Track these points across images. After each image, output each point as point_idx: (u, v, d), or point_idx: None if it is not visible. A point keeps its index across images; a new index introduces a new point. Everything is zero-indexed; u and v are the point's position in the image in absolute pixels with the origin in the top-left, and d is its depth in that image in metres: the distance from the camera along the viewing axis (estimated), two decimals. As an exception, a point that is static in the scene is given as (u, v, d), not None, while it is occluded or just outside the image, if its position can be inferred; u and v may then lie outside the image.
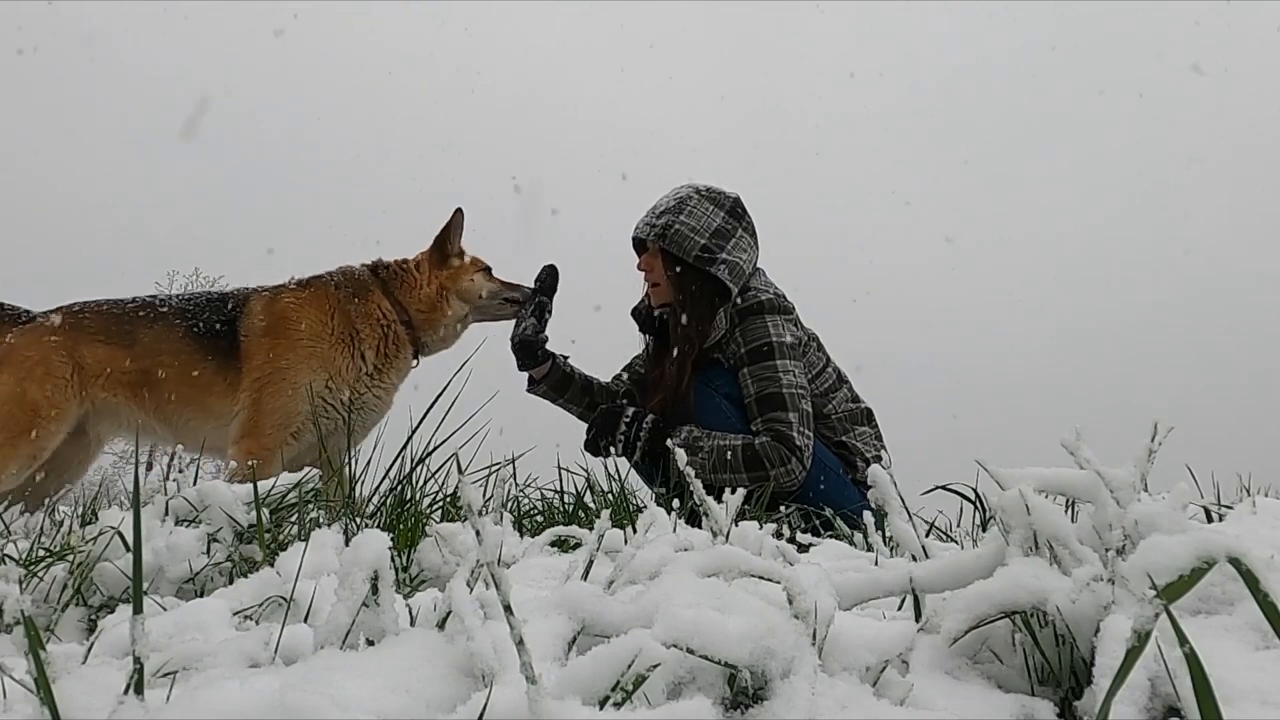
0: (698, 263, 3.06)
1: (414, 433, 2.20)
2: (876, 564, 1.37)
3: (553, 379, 3.32)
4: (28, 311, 3.25)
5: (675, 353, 3.10)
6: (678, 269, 3.10)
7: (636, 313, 3.42)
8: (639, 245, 3.28)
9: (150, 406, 3.13)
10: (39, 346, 3.05)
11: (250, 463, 2.81)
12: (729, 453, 2.91)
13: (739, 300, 3.08)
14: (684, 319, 3.09)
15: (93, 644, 1.00)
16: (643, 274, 3.25)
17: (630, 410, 3.09)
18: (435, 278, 3.42)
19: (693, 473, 1.33)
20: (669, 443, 2.42)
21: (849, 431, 3.16)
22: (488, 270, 3.55)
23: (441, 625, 0.86)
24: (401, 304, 3.35)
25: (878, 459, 3.13)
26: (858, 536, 1.94)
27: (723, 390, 3.05)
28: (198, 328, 3.18)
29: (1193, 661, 0.66)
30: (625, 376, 3.52)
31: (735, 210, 3.18)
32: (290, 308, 3.21)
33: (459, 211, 3.49)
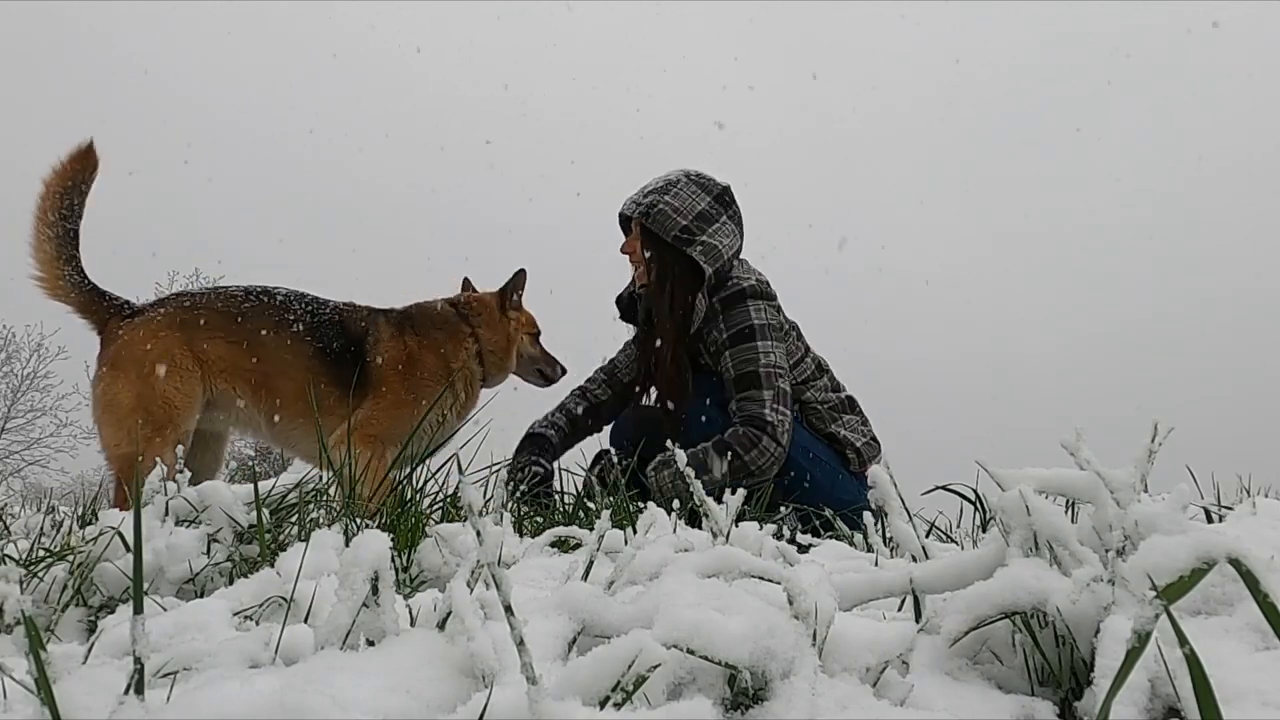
0: (676, 243, 3.07)
1: (414, 433, 2.20)
2: (876, 564, 1.37)
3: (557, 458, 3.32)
4: (129, 303, 3.26)
5: (659, 342, 3.10)
6: (657, 247, 3.11)
7: (619, 300, 3.42)
8: (625, 223, 3.28)
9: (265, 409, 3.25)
10: (157, 341, 3.10)
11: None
12: (700, 454, 2.88)
13: (722, 289, 3.07)
14: (662, 301, 3.11)
15: (93, 644, 1.00)
16: (627, 255, 3.27)
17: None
18: (506, 324, 3.55)
19: (692, 472, 1.33)
20: (648, 478, 2.40)
21: (836, 420, 3.15)
22: (536, 335, 3.70)
23: (442, 625, 0.86)
24: (480, 340, 3.49)
25: (869, 446, 3.13)
26: (858, 537, 1.94)
27: (709, 395, 3.02)
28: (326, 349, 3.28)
29: (1193, 662, 0.66)
30: (603, 380, 3.48)
31: (722, 198, 3.18)
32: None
33: (523, 271, 3.63)
